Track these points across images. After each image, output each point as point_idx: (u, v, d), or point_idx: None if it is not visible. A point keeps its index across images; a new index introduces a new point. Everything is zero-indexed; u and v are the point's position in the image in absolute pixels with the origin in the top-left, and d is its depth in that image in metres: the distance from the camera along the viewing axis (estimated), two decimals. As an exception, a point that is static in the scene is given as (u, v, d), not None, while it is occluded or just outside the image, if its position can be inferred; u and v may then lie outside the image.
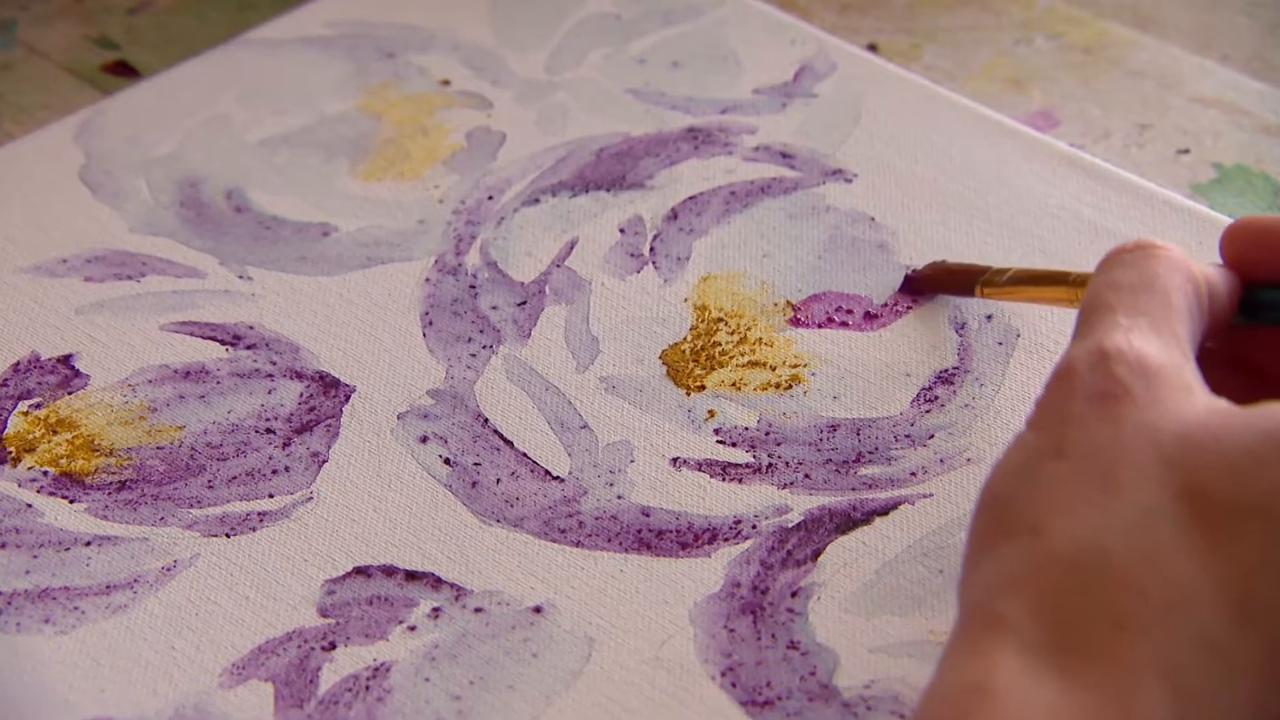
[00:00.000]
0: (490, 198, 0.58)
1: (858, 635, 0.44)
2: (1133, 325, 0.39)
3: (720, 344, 0.53)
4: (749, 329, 0.53)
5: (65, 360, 0.53)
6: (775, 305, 0.54)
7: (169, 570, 0.47)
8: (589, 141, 0.60)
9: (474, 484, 0.49)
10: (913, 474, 0.48)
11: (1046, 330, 0.52)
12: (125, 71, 0.66)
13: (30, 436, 0.50)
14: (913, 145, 0.59)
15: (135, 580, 0.46)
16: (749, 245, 0.56)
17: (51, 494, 0.49)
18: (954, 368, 0.51)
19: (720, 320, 0.53)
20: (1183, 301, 0.40)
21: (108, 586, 0.46)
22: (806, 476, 0.48)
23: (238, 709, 0.43)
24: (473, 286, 0.55)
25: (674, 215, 0.57)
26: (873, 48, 0.65)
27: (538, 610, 0.45)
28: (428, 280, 0.55)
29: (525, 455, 0.49)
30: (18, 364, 0.52)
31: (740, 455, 0.49)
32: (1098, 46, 0.65)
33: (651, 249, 0.56)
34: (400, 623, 0.45)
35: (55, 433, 0.50)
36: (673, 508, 0.48)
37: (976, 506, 0.38)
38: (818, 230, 0.56)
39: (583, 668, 0.44)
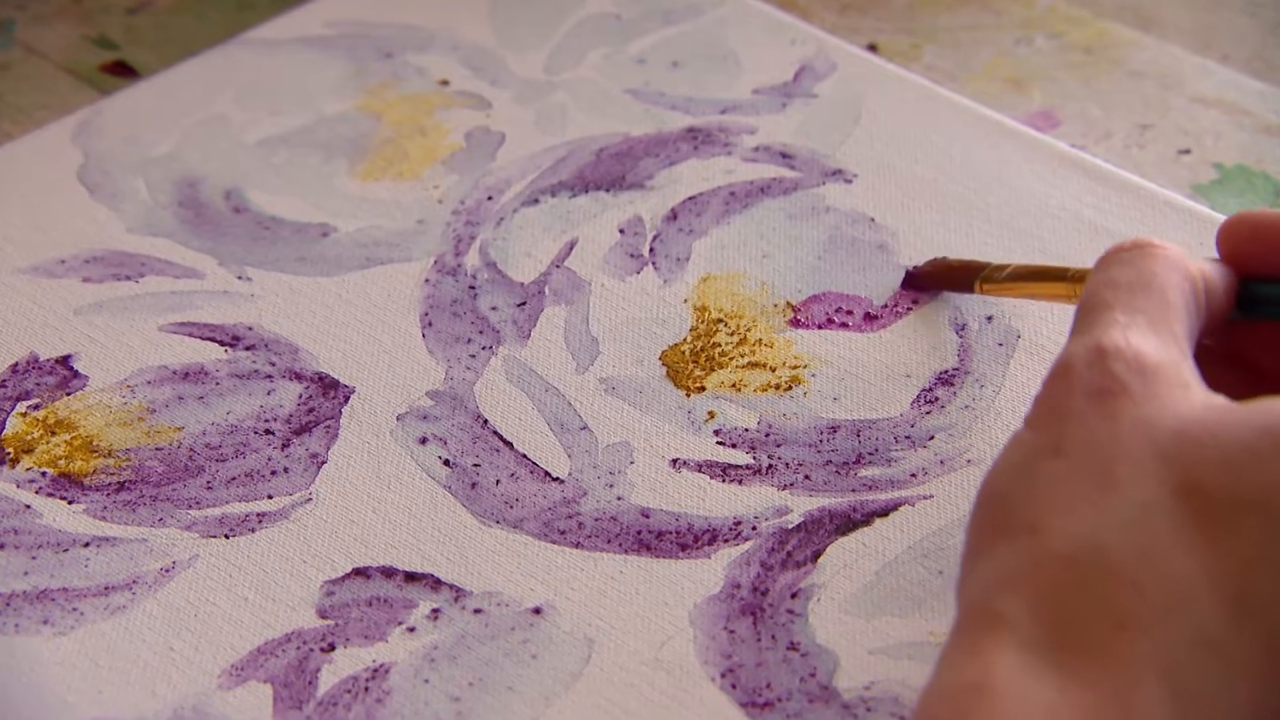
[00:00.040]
0: (489, 198, 0.58)
1: (858, 636, 0.44)
2: (1130, 323, 0.39)
3: (720, 345, 0.53)
4: (749, 330, 0.53)
5: (64, 361, 0.53)
6: (775, 306, 0.54)
7: (168, 571, 0.47)
8: (588, 142, 0.60)
9: (473, 485, 0.49)
10: (913, 475, 0.48)
11: (1047, 331, 0.52)
12: (124, 71, 0.65)
13: (29, 437, 0.50)
14: (913, 145, 0.59)
15: (134, 581, 0.46)
16: (749, 246, 0.56)
17: (50, 495, 0.49)
18: (954, 369, 0.51)
19: (720, 321, 0.53)
20: (1180, 299, 0.40)
21: (106, 587, 0.46)
22: (806, 478, 0.48)
23: (236, 710, 0.43)
24: (472, 287, 0.55)
25: (674, 216, 0.57)
26: (873, 48, 0.65)
27: (537, 611, 0.45)
28: (427, 281, 0.55)
29: (525, 456, 0.49)
30: (16, 365, 0.52)
31: (740, 456, 0.49)
32: (1098, 46, 0.65)
33: (651, 249, 0.56)
34: (399, 624, 0.45)
35: (54, 434, 0.50)
36: (673, 509, 0.48)
37: (975, 505, 0.38)
38: (817, 231, 0.56)
39: (582, 669, 0.44)
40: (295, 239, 0.57)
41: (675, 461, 0.49)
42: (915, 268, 0.54)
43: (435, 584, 0.46)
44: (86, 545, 0.47)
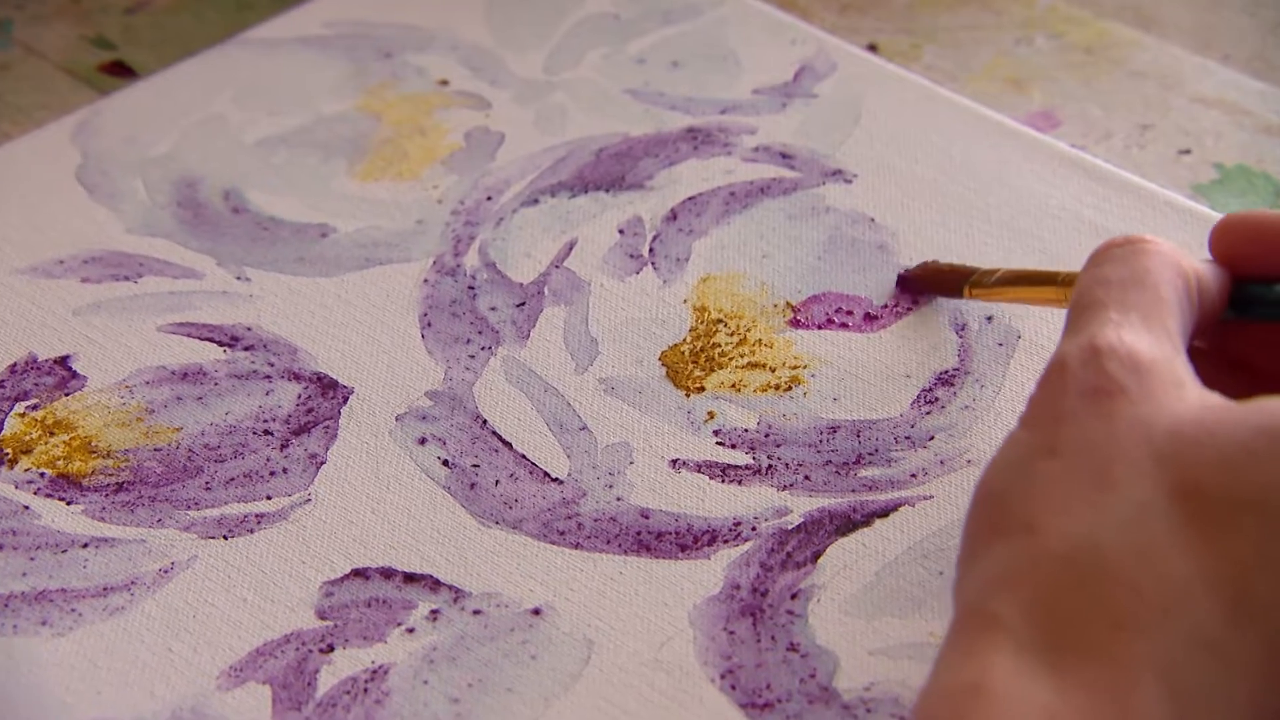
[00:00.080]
0: (489, 198, 0.58)
1: (858, 637, 0.44)
2: (1124, 321, 0.39)
3: (720, 345, 0.52)
4: (749, 330, 0.53)
5: (62, 361, 0.52)
6: (775, 306, 0.54)
7: (166, 572, 0.47)
8: (588, 142, 0.60)
9: (473, 486, 0.49)
10: (913, 476, 0.48)
11: (1048, 332, 0.52)
12: (122, 71, 0.65)
13: (27, 438, 0.50)
14: (913, 146, 0.59)
15: (132, 582, 0.46)
16: (748, 246, 0.56)
17: (48, 496, 0.49)
18: (954, 369, 0.51)
19: (720, 321, 0.53)
20: (1173, 295, 0.40)
21: (105, 588, 0.46)
22: (806, 478, 0.48)
23: (235, 711, 0.43)
24: (471, 288, 0.55)
25: (673, 216, 0.57)
26: (873, 48, 0.65)
27: (536, 612, 0.45)
28: (426, 281, 0.55)
29: (524, 457, 0.49)
30: (14, 365, 0.52)
31: (740, 457, 0.49)
32: (1099, 46, 0.65)
33: (651, 250, 0.56)
34: (398, 625, 0.45)
35: (52, 434, 0.50)
36: (672, 509, 0.48)
37: (971, 505, 0.38)
38: (817, 231, 0.56)
39: (582, 670, 0.44)
40: (294, 239, 0.57)
41: (675, 462, 0.49)
42: (906, 271, 0.54)
43: (434, 585, 0.46)
44: (85, 546, 0.47)
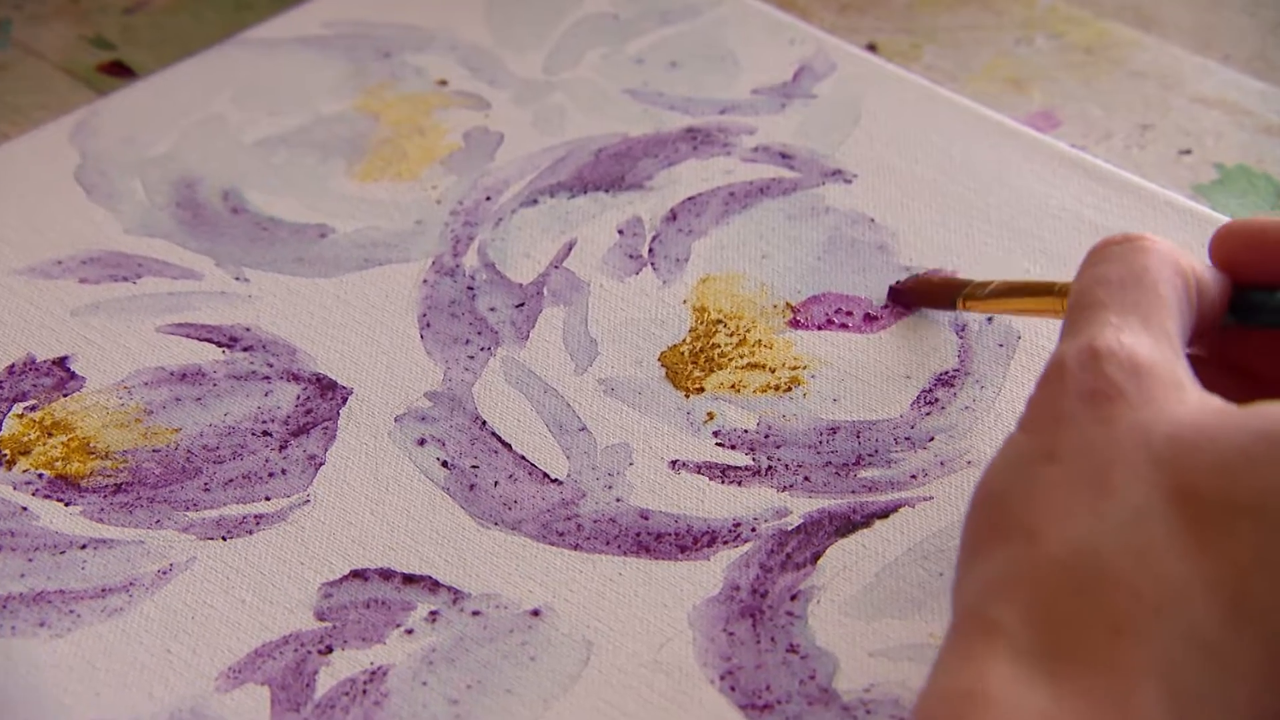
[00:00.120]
0: (488, 198, 0.58)
1: (857, 638, 0.44)
2: (1123, 323, 0.39)
3: (719, 346, 0.52)
4: (748, 331, 0.53)
5: (60, 362, 0.52)
6: (774, 307, 0.54)
7: (165, 573, 0.46)
8: (587, 142, 0.60)
9: (472, 487, 0.48)
10: (913, 476, 0.48)
11: (1048, 332, 0.52)
12: (121, 71, 0.65)
13: (25, 439, 0.50)
14: (913, 146, 0.59)
15: (131, 583, 0.46)
16: (748, 246, 0.56)
17: (47, 497, 0.48)
18: (954, 370, 0.51)
19: (719, 322, 0.53)
20: (1172, 295, 0.40)
21: (103, 590, 0.46)
22: (806, 479, 0.48)
23: (234, 713, 0.43)
24: (470, 288, 0.55)
25: (673, 216, 0.57)
26: (872, 48, 0.65)
27: (536, 613, 0.45)
28: (425, 282, 0.55)
29: (523, 458, 0.49)
30: (13, 366, 0.52)
31: (739, 458, 0.49)
32: (1099, 46, 0.64)
33: (650, 250, 0.56)
34: (397, 626, 0.45)
35: (50, 435, 0.50)
36: (672, 510, 0.48)
37: (970, 508, 0.38)
38: (817, 231, 0.56)
39: (581, 671, 0.44)
40: (293, 240, 0.57)
41: (674, 463, 0.49)
42: (898, 283, 0.54)
43: (433, 586, 0.46)
44: (83, 547, 0.47)
